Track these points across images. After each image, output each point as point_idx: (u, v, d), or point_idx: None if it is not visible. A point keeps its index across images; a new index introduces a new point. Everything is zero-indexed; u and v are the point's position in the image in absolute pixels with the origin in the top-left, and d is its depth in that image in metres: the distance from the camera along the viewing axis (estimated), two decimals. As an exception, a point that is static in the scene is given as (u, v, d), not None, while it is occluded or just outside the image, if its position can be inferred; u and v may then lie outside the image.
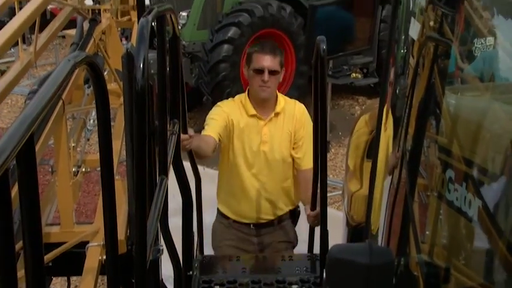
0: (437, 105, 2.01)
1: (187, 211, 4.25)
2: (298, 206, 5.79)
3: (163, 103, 3.74)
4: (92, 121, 5.47)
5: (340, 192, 6.01)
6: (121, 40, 6.97)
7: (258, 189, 5.49)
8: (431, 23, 2.12)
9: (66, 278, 4.25)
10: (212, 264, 4.95)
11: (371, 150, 3.34)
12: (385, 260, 1.97)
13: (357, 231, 4.09)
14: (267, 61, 5.29)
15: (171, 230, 3.92)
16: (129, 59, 3.20)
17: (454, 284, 1.82)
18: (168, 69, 3.99)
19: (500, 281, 1.52)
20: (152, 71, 3.38)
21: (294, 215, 5.82)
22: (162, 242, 3.81)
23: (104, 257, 3.50)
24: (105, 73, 5.94)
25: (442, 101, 1.98)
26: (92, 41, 5.69)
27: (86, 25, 6.16)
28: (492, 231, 1.55)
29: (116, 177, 3.79)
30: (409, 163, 2.19)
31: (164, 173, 3.60)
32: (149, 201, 3.26)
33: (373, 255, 2.05)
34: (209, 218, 5.54)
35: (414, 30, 2.35)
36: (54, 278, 4.38)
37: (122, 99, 3.90)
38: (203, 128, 5.46)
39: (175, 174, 4.18)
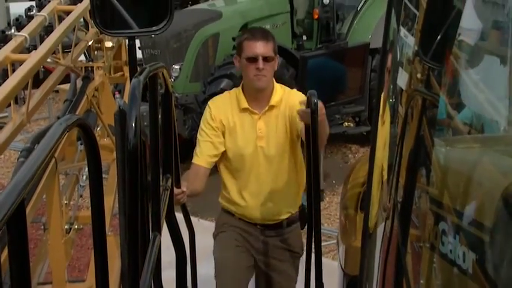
0: (427, 155, 2.00)
1: (181, 265, 4.21)
2: (302, 204, 5.35)
3: (156, 159, 3.72)
4: (84, 177, 5.43)
5: (335, 241, 5.89)
6: (114, 94, 6.93)
7: (260, 188, 5.15)
8: (419, 75, 2.11)
9: None
10: None
11: (363, 202, 3.33)
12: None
13: (353, 283, 4.06)
14: (260, 48, 4.98)
15: (164, 283, 3.90)
16: (121, 116, 3.18)
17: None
18: (160, 124, 3.99)
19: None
20: (145, 123, 3.42)
21: (302, 217, 5.26)
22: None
23: None
24: (98, 128, 5.97)
25: (431, 151, 1.98)
26: (85, 98, 5.68)
27: (79, 82, 6.18)
28: (486, 285, 1.53)
29: (109, 232, 3.78)
30: (401, 214, 2.18)
31: (157, 229, 3.57)
32: (142, 257, 3.23)
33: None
34: (204, 270, 5.31)
35: (402, 80, 2.34)
36: None
37: (114, 154, 3.88)
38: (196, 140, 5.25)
39: (169, 229, 4.15)
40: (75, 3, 6.17)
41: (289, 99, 5.16)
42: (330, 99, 9.30)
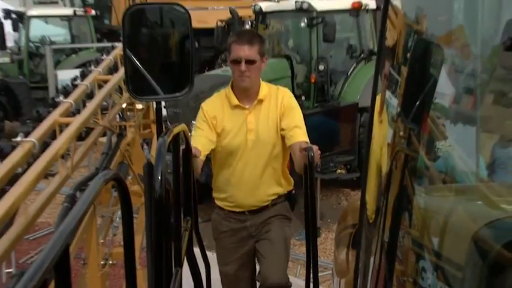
0: (409, 202, 2.00)
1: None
2: (293, 189, 5.25)
3: (177, 204, 3.75)
4: (118, 219, 5.42)
5: (330, 272, 5.86)
6: (142, 145, 6.96)
7: (249, 178, 4.88)
8: (401, 132, 2.12)
9: None
10: None
11: (355, 241, 3.32)
12: None
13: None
14: (244, 51, 4.72)
15: (186, 312, 3.91)
16: (149, 168, 3.24)
17: None
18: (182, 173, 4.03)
19: None
20: (169, 171, 3.47)
21: (290, 198, 5.22)
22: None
23: None
24: (129, 177, 5.98)
25: (412, 198, 1.98)
26: (118, 152, 5.77)
27: (114, 137, 6.24)
28: None
29: (138, 266, 3.77)
30: (387, 252, 2.17)
31: (179, 264, 3.60)
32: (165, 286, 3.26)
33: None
34: None
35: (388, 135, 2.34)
36: None
37: (143, 199, 3.90)
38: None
39: (188, 263, 4.16)
40: (111, 73, 6.22)
41: (276, 93, 5.01)
42: (325, 150, 9.30)
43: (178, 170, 3.91)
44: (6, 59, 17.99)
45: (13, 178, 3.57)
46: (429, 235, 1.83)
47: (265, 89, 4.93)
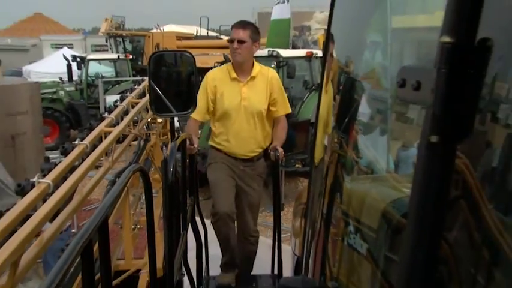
0: (341, 187, 2.01)
1: (198, 250, 4.21)
2: (268, 147, 5.00)
3: (184, 187, 3.76)
4: (144, 197, 5.44)
5: (289, 234, 5.85)
6: (161, 148, 6.95)
7: (241, 134, 4.72)
8: (335, 139, 2.12)
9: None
10: (214, 282, 4.95)
11: (305, 213, 3.32)
12: (310, 285, 1.92)
13: (298, 263, 4.05)
14: (237, 33, 4.56)
15: (188, 261, 3.92)
16: (165, 163, 3.28)
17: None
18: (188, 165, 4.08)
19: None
20: (179, 164, 3.54)
21: (265, 153, 5.01)
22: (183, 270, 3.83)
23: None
24: (152, 169, 6.00)
25: (343, 185, 1.99)
26: (145, 151, 5.83)
27: (142, 141, 6.30)
28: (373, 263, 1.55)
29: (157, 230, 3.79)
30: (325, 220, 2.16)
31: (185, 228, 3.63)
32: (176, 245, 3.26)
33: (303, 283, 2.03)
34: (212, 252, 5.11)
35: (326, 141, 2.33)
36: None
37: (161, 184, 3.90)
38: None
39: (192, 228, 4.14)
40: (141, 98, 6.27)
41: (267, 73, 4.84)
42: (287, 151, 9.28)
43: (185, 163, 3.97)
44: (72, 88, 18.19)
45: (72, 169, 3.56)
46: (354, 209, 1.82)
47: (257, 68, 4.76)
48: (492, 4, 0.83)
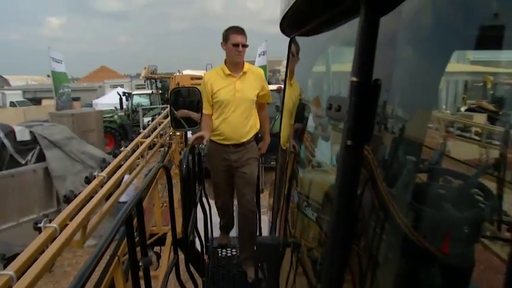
0: (296, 174, 1.99)
1: (205, 220, 4.14)
2: (259, 133, 4.20)
3: (194, 179, 3.72)
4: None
5: (266, 209, 5.76)
6: (180, 152, 6.87)
7: (235, 121, 3.89)
8: (293, 143, 2.09)
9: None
10: (216, 241, 4.82)
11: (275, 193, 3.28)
12: (276, 242, 1.90)
13: (271, 228, 4.03)
14: (242, 39, 3.81)
15: (198, 227, 3.86)
16: (181, 162, 3.18)
17: (304, 250, 1.74)
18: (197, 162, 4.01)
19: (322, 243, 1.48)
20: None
21: (256, 139, 4.17)
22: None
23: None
24: (173, 166, 5.95)
25: (298, 173, 1.98)
26: (168, 154, 5.75)
27: (166, 148, 6.21)
28: (318, 223, 1.51)
29: (176, 206, 3.73)
30: (287, 199, 2.13)
31: (195, 206, 3.56)
32: (189, 217, 3.21)
33: (272, 240, 2.00)
34: (215, 219, 4.89)
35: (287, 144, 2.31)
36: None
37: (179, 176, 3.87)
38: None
39: (200, 205, 4.09)
40: (165, 119, 6.23)
41: (257, 71, 4.07)
42: (266, 152, 9.29)
43: (194, 162, 3.89)
44: (123, 113, 18.08)
45: (119, 166, 3.54)
46: (307, 190, 1.80)
47: (246, 65, 3.99)
48: (380, 57, 0.85)
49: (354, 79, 0.85)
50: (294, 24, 1.57)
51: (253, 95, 3.94)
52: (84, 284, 1.28)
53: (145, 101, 19.57)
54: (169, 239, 3.88)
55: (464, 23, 0.87)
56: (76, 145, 7.61)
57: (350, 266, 1.05)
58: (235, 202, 4.32)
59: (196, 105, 4.13)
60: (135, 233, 2.28)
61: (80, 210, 2.47)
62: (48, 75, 17.43)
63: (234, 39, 3.76)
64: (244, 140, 3.97)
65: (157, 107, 18.27)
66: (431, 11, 0.86)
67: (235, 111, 3.90)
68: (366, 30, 0.85)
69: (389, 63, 0.88)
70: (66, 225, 2.16)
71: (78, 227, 2.18)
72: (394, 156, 0.94)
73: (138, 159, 4.05)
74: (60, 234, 2.06)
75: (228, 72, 3.87)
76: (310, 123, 1.87)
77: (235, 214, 4.52)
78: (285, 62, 2.37)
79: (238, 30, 3.79)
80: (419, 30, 0.90)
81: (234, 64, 3.88)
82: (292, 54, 2.22)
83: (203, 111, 3.91)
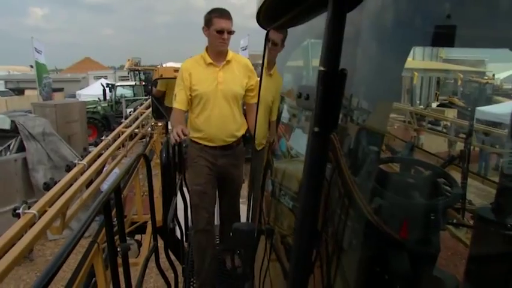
0: (271, 165, 2.00)
1: (185, 209, 4.13)
2: (247, 132, 3.43)
3: (175, 168, 3.70)
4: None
5: (245, 199, 5.71)
6: (161, 143, 6.89)
7: (220, 118, 3.19)
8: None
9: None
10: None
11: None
12: (251, 228, 1.91)
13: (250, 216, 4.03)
14: (227, 24, 3.10)
15: (178, 216, 3.86)
16: (161, 152, 3.17)
17: (278, 236, 1.75)
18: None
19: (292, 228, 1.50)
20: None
21: (245, 139, 3.43)
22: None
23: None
24: (155, 156, 5.92)
25: (273, 164, 1.98)
26: (149, 144, 5.70)
27: (148, 138, 6.16)
28: (291, 214, 1.52)
29: (157, 195, 3.72)
30: (262, 187, 2.15)
31: (175, 194, 3.54)
32: (169, 205, 3.20)
33: (248, 226, 2.01)
34: None
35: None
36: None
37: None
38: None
39: (180, 194, 4.08)
40: (147, 109, 6.18)
41: (242, 60, 3.38)
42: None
43: (174, 151, 3.85)
44: (106, 104, 17.94)
45: (100, 155, 3.52)
46: (279, 177, 1.81)
47: (230, 53, 3.30)
48: (346, 48, 0.87)
49: (322, 68, 0.86)
50: (269, 17, 1.57)
51: (239, 88, 3.26)
52: (58, 269, 1.27)
53: (128, 93, 19.42)
54: (149, 227, 3.87)
55: (423, 20, 0.91)
56: (53, 143, 7.53)
57: (317, 251, 1.07)
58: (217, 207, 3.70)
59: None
60: (115, 220, 2.27)
61: (59, 197, 2.45)
62: (32, 66, 17.10)
63: (218, 25, 3.10)
64: (233, 140, 3.29)
65: (140, 99, 18.12)
66: (394, 8, 0.88)
67: (219, 106, 3.22)
68: (333, 23, 0.86)
69: (355, 55, 0.91)
70: (46, 211, 2.14)
71: (57, 214, 2.16)
72: (360, 143, 0.96)
73: (119, 148, 4.02)
74: (38, 220, 2.04)
75: (209, 60, 3.21)
76: (286, 114, 1.89)
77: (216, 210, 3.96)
78: (268, 56, 2.35)
79: (223, 14, 3.12)
80: (382, 25, 0.93)
81: (217, 52, 3.22)
82: (275, 43, 2.16)
83: (175, 105, 3.19)
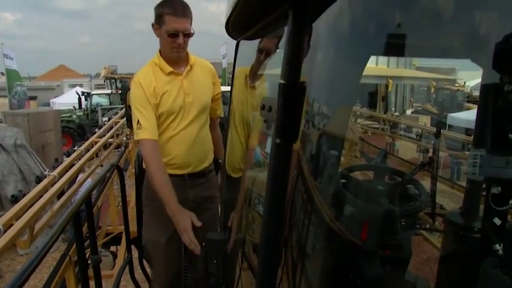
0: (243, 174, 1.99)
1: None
2: (217, 158, 2.68)
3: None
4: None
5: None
6: (138, 153, 6.81)
7: (190, 136, 2.44)
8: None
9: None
10: None
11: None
12: (223, 238, 1.89)
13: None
14: (182, 24, 2.28)
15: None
16: (137, 162, 3.10)
17: (249, 245, 1.76)
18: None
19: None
20: None
21: (216, 165, 2.65)
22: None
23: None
24: (130, 166, 5.85)
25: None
26: (125, 154, 5.65)
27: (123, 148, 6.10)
28: (258, 219, 1.50)
29: (133, 205, 3.67)
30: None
31: None
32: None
33: (219, 235, 1.98)
34: None
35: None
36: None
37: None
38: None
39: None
40: (121, 118, 6.13)
41: (205, 63, 2.58)
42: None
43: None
44: (81, 113, 17.77)
45: (71, 165, 3.47)
46: (250, 189, 1.83)
47: (192, 57, 2.52)
48: (308, 62, 0.89)
49: (282, 81, 0.88)
50: (237, 28, 1.59)
51: (208, 98, 2.55)
52: (23, 283, 1.25)
53: (104, 101, 19.23)
54: (124, 237, 3.83)
55: (380, 31, 0.94)
56: (23, 155, 7.39)
57: (283, 259, 1.08)
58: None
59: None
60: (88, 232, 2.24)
61: (28, 209, 2.40)
62: (2, 73, 16.75)
63: (170, 26, 2.30)
64: (205, 165, 2.55)
65: (116, 107, 17.96)
66: (351, 20, 0.92)
67: (188, 122, 2.46)
68: (293, 36, 0.89)
69: (315, 66, 0.93)
70: (12, 225, 2.09)
71: (25, 227, 2.12)
72: (320, 153, 0.98)
73: (92, 158, 3.96)
74: (4, 234, 1.99)
75: (169, 69, 2.43)
76: (253, 122, 1.90)
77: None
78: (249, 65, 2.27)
79: (177, 11, 2.28)
80: (342, 36, 0.96)
81: (176, 58, 2.45)
82: (261, 51, 1.94)
83: (145, 136, 2.30)
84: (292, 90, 0.88)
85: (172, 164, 2.43)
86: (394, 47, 0.92)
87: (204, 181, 2.54)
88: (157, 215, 2.36)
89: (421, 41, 1.03)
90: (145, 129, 2.27)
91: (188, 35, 2.35)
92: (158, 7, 2.32)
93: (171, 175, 2.32)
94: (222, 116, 2.74)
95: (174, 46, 2.34)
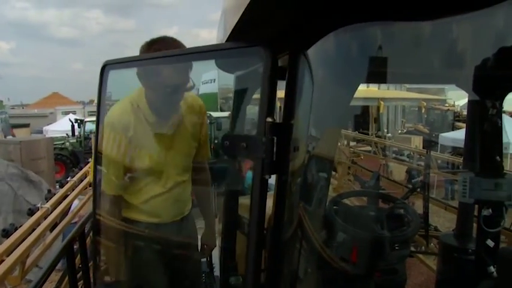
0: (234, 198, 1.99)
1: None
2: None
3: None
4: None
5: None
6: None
7: (170, 195, 1.90)
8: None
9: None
10: None
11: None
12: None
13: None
14: (181, 77, 1.77)
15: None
16: None
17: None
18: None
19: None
20: None
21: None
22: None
23: None
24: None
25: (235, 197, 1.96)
26: None
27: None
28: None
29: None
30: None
31: None
32: None
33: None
34: None
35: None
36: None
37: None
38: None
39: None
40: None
41: (196, 102, 2.00)
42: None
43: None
44: (74, 140, 17.72)
45: (65, 196, 3.44)
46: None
47: (183, 101, 1.93)
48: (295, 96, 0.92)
49: (269, 120, 0.90)
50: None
51: (193, 148, 2.01)
52: None
53: (98, 128, 19.26)
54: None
55: (368, 62, 0.97)
56: (14, 185, 7.34)
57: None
58: None
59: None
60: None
61: (20, 244, 2.37)
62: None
63: (166, 76, 1.78)
64: (182, 216, 2.03)
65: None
66: (340, 52, 0.95)
67: (169, 180, 1.92)
68: (289, 84, 0.92)
69: (299, 101, 0.96)
70: (3, 261, 2.06)
71: (16, 263, 2.08)
72: (308, 186, 1.00)
73: (86, 188, 3.92)
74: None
75: (152, 118, 1.85)
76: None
77: None
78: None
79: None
80: (332, 67, 0.99)
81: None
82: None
83: (107, 191, 1.83)
84: (279, 127, 0.90)
85: (147, 213, 1.91)
86: (382, 76, 0.96)
87: (179, 226, 2.01)
88: (135, 243, 1.93)
89: (409, 69, 1.08)
90: (112, 183, 1.82)
91: (186, 88, 1.86)
92: (148, 48, 1.81)
93: (144, 223, 1.90)
94: (209, 158, 2.16)
95: (167, 101, 1.87)
